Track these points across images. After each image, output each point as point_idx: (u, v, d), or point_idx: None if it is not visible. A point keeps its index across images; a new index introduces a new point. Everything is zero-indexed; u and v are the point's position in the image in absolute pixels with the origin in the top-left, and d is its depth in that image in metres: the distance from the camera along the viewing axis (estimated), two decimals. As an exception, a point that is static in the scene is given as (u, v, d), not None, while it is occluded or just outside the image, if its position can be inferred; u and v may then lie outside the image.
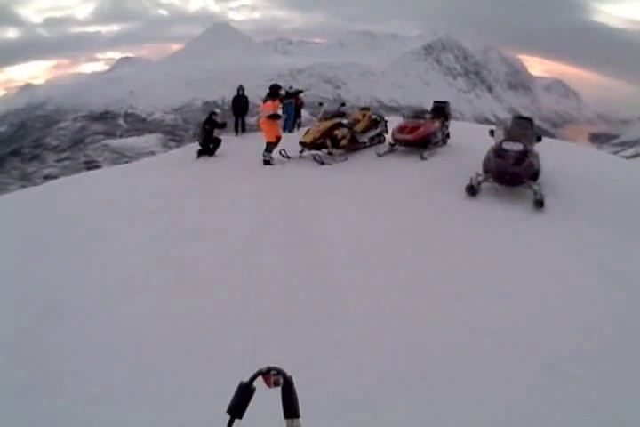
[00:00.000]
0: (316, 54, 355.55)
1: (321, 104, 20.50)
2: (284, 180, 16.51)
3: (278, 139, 18.61)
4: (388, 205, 13.36)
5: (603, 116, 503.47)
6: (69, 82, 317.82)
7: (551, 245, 10.58)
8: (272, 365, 2.75)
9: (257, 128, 20.93)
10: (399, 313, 7.95)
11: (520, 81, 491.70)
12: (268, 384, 2.71)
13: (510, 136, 14.26)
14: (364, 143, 19.95)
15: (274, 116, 18.61)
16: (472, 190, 13.68)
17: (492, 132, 14.93)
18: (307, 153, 18.98)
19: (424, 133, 18.16)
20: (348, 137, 18.84)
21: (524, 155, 13.69)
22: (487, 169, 13.94)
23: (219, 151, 20.80)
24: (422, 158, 17.75)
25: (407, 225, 11.97)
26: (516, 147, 13.78)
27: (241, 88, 25.55)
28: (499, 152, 13.95)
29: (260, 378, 2.71)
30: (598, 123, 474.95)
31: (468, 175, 13.94)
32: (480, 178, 13.89)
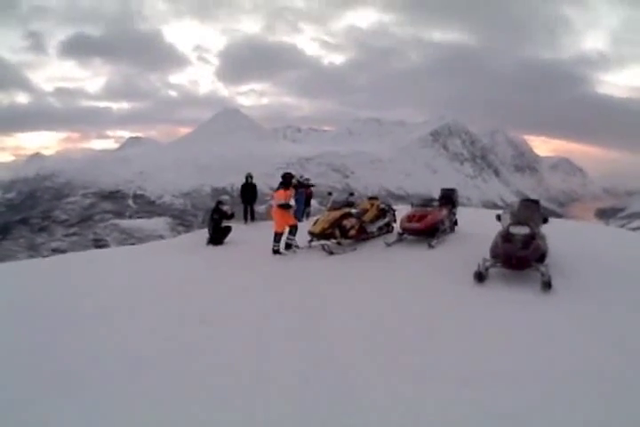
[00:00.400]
0: (324, 142, 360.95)
1: (330, 194, 20.55)
2: (295, 268, 16.35)
3: (293, 226, 18.63)
4: (397, 294, 13.06)
5: (609, 190, 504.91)
6: (79, 156, 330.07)
7: (559, 327, 10.50)
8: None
9: (266, 216, 21.04)
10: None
11: (526, 162, 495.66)
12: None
13: (517, 220, 14.27)
14: (373, 233, 19.95)
15: (285, 206, 18.47)
16: (480, 277, 13.51)
17: (498, 217, 15.08)
18: (315, 243, 18.87)
19: (432, 222, 18.24)
20: (356, 227, 18.85)
21: (532, 238, 13.62)
22: (495, 254, 13.81)
23: (228, 239, 20.85)
24: (430, 247, 17.68)
25: (418, 311, 11.62)
26: (524, 230, 13.75)
27: (249, 176, 25.82)
28: (506, 237, 13.88)
29: None
30: (604, 197, 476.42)
31: (476, 262, 13.85)
32: (488, 263, 13.77)
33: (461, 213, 21.37)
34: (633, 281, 13.61)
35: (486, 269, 13.72)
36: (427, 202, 19.87)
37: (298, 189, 24.90)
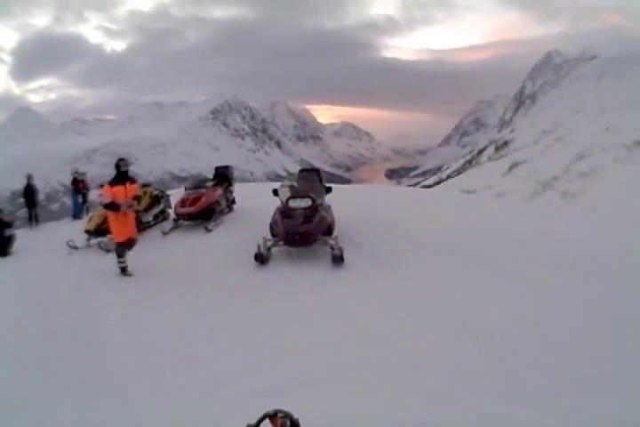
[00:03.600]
0: (109, 132, 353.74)
1: (102, 186, 19.98)
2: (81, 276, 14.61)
3: (130, 240, 13.86)
4: (173, 289, 12.32)
5: (398, 151, 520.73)
6: None
7: (350, 305, 10.24)
8: (279, 408, 2.94)
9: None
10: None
11: (309, 131, 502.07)
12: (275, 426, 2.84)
13: (296, 192, 13.97)
14: (149, 222, 19.07)
15: (110, 207, 13.45)
16: (261, 258, 13.03)
17: (275, 192, 14.51)
18: (94, 241, 17.54)
19: (206, 204, 17.84)
20: None
21: (314, 210, 13.32)
22: (275, 232, 13.45)
23: (15, 248, 18.87)
24: (207, 230, 17.31)
25: (200, 305, 11.01)
26: (304, 203, 13.42)
27: (30, 177, 24.29)
28: (286, 212, 13.50)
29: (267, 421, 2.89)
30: (394, 158, 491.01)
31: (258, 240, 13.37)
32: (269, 243, 13.39)
33: (240, 190, 21.17)
34: (428, 245, 13.93)
35: (268, 249, 13.35)
36: (200, 183, 19.53)
37: (73, 185, 24.82)
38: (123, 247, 13.68)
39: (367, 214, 17.00)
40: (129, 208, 13.44)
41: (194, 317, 10.29)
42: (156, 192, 20.02)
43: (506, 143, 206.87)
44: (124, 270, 13.72)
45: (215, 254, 14.57)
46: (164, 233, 17.71)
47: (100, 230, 17.19)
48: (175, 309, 10.90)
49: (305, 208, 13.29)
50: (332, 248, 12.69)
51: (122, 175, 13.77)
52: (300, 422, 2.96)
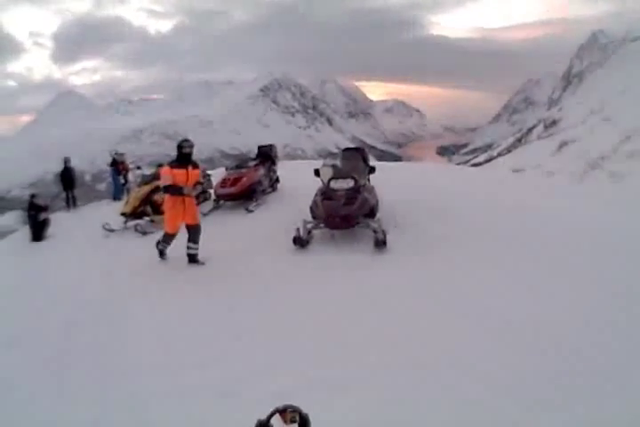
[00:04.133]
0: (156, 111, 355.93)
1: (139, 168, 19.36)
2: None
3: (193, 227, 12.46)
4: (206, 278, 11.52)
5: (449, 128, 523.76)
6: None
7: (394, 291, 9.54)
8: (289, 403, 2.95)
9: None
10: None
11: (360, 108, 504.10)
12: (285, 422, 2.88)
13: (338, 173, 13.15)
14: None
15: (170, 190, 11.95)
16: (301, 241, 12.28)
17: (317, 172, 13.69)
18: (131, 223, 17.08)
19: (247, 184, 17.05)
20: None
21: (357, 191, 12.51)
22: (316, 214, 12.62)
23: (51, 232, 18.55)
24: (248, 211, 16.60)
25: (233, 295, 10.34)
26: (346, 184, 12.60)
27: (67, 160, 23.78)
28: (327, 193, 12.73)
29: (277, 416, 2.88)
30: (445, 135, 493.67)
31: (300, 222, 12.71)
32: (309, 225, 12.64)
33: (286, 168, 20.54)
34: (477, 232, 12.83)
35: (308, 232, 12.62)
36: (241, 163, 18.72)
37: (113, 166, 24.16)
38: (170, 238, 12.56)
39: (413, 195, 15.93)
40: (192, 191, 12.17)
41: (225, 309, 9.63)
42: None
43: (554, 122, 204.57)
44: (162, 253, 12.84)
45: (254, 237, 13.82)
46: (204, 214, 16.45)
47: (136, 213, 16.80)
48: (206, 299, 10.30)
49: (347, 189, 12.50)
50: (375, 231, 11.88)
51: (184, 157, 12.10)
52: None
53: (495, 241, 12.08)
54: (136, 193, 17.31)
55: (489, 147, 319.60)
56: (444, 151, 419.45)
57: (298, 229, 12.34)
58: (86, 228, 17.97)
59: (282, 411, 2.89)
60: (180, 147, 12.07)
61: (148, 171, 18.87)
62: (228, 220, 16.09)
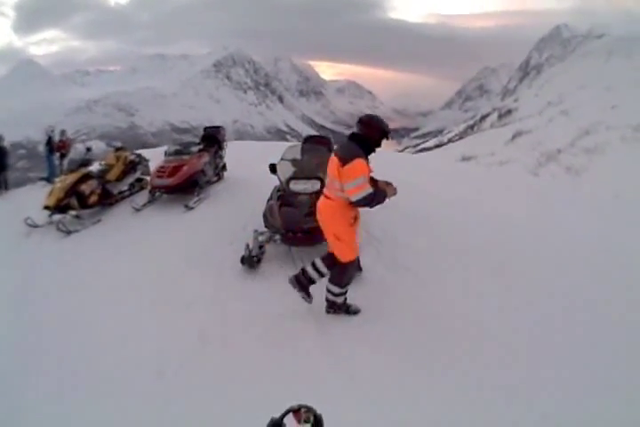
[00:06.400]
0: (111, 83, 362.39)
1: (89, 149, 16.62)
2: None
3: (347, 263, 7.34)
4: (125, 303, 8.52)
5: (401, 112, 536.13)
6: None
7: (367, 353, 6.79)
8: (302, 403, 2.85)
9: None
10: None
11: (312, 87, 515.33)
12: (299, 421, 2.80)
13: (301, 171, 10.03)
14: (123, 193, 15.19)
15: (376, 199, 7.00)
16: (250, 262, 9.07)
17: (272, 168, 10.48)
18: (57, 217, 13.42)
19: (188, 174, 13.96)
20: (98, 191, 14.15)
21: None
22: (270, 224, 9.40)
23: None
24: (188, 208, 13.33)
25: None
26: (311, 186, 9.43)
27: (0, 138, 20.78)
28: (285, 197, 9.53)
29: (290, 415, 2.80)
30: (395, 118, 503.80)
31: (253, 224, 9.94)
32: (262, 238, 9.41)
33: (235, 150, 17.48)
34: (460, 242, 10.33)
35: (260, 246, 9.44)
36: (183, 148, 15.16)
37: (48, 146, 20.97)
38: (353, 269, 7.58)
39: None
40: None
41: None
42: (132, 157, 16.03)
43: (509, 111, 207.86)
44: (348, 309, 7.76)
45: (191, 245, 10.63)
46: (137, 209, 13.84)
47: (60, 206, 13.38)
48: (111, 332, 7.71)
49: (311, 193, 9.23)
50: None
51: (370, 144, 7.13)
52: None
53: (486, 260, 9.54)
54: (61, 182, 13.97)
55: (440, 132, 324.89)
56: (394, 134, 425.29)
57: (247, 246, 9.26)
58: (5, 220, 14.50)
59: (296, 410, 2.82)
60: (369, 124, 7.14)
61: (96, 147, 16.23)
62: (162, 220, 12.88)
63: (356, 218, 7.23)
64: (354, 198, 6.79)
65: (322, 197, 7.40)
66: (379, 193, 6.99)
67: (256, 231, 9.46)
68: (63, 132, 22.31)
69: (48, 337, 7.82)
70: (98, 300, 8.81)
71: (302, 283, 7.42)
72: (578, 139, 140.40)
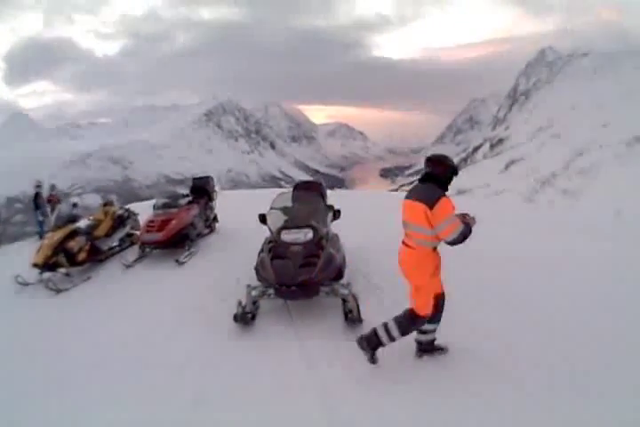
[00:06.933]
0: (103, 136, 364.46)
1: (75, 205, 16.13)
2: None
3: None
4: (110, 367, 7.85)
5: (393, 151, 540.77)
6: None
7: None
8: None
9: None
10: None
11: (303, 132, 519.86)
12: None
13: (292, 220, 9.69)
14: (112, 249, 14.60)
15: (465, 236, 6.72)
16: (244, 319, 8.55)
17: (262, 219, 10.35)
18: (47, 274, 12.80)
19: (178, 228, 13.61)
20: (87, 247, 13.51)
21: (318, 246, 8.94)
22: (263, 278, 8.82)
23: None
24: (179, 263, 12.86)
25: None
26: (303, 236, 9.04)
27: None
28: (277, 248, 9.01)
29: None
30: (388, 157, 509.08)
31: (246, 277, 9.49)
32: (255, 293, 8.74)
33: (229, 200, 17.65)
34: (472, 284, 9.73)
35: (253, 302, 8.82)
36: (171, 201, 14.88)
37: (35, 200, 20.29)
38: (422, 322, 7.07)
39: (378, 235, 12.59)
40: None
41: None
42: (120, 211, 15.62)
43: (501, 141, 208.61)
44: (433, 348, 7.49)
45: (183, 303, 10.12)
46: (127, 266, 13.31)
47: (49, 264, 12.79)
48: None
49: (304, 243, 8.90)
50: (345, 301, 8.46)
51: (445, 182, 6.93)
52: None
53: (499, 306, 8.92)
54: (48, 239, 13.39)
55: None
56: (388, 173, 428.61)
57: (240, 303, 8.67)
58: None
59: None
60: (441, 162, 6.98)
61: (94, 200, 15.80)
62: (153, 277, 12.39)
63: (437, 268, 6.94)
64: (450, 238, 6.60)
65: (403, 247, 7.09)
66: (467, 226, 6.76)
67: (249, 286, 8.85)
68: (53, 187, 22.06)
69: (33, 403, 7.26)
70: (87, 362, 8.22)
71: (371, 344, 7.03)
72: (571, 161, 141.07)
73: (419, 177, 6.98)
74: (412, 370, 7.14)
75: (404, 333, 6.96)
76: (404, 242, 7.02)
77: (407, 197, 6.92)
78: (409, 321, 6.97)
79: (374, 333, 7.02)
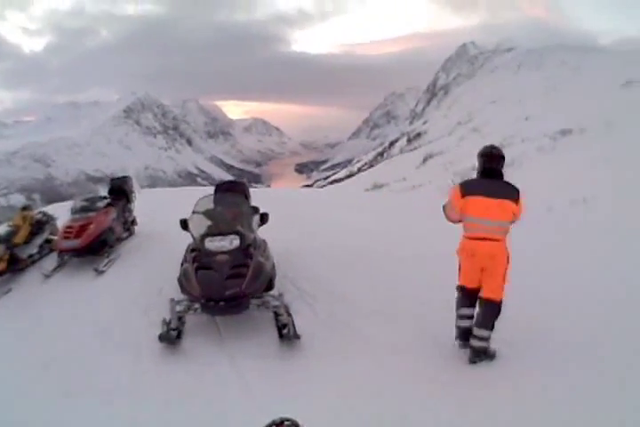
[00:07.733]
0: (28, 134, 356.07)
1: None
2: None
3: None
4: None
5: (308, 145, 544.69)
6: None
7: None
8: (285, 416, 2.82)
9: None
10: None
11: (219, 128, 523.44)
12: None
13: (216, 226, 8.62)
14: (32, 256, 13.09)
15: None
16: (169, 338, 7.65)
17: (184, 224, 9.13)
18: None
19: (96, 234, 12.31)
20: (6, 257, 12.09)
21: (245, 254, 8.05)
22: (187, 291, 7.90)
23: None
24: (99, 272, 11.72)
25: None
26: (229, 243, 8.06)
27: None
28: (201, 257, 8.12)
29: None
30: (304, 152, 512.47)
31: (173, 287, 8.46)
32: (180, 308, 7.91)
33: (146, 199, 16.63)
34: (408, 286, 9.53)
35: (179, 318, 7.96)
36: (89, 204, 13.50)
37: None
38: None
39: (305, 236, 12.37)
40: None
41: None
42: (38, 216, 14.20)
43: (419, 135, 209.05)
44: (491, 353, 7.26)
45: (103, 318, 9.14)
46: (46, 276, 12.05)
47: None
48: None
49: (231, 251, 8.00)
50: (278, 314, 7.76)
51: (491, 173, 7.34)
52: None
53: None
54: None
55: (349, 162, 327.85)
56: (303, 168, 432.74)
57: (164, 321, 7.81)
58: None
59: (278, 424, 2.81)
60: (486, 156, 7.45)
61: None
62: (72, 288, 11.18)
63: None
64: (521, 217, 7.38)
65: (487, 242, 7.09)
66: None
67: (172, 300, 7.93)
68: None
69: None
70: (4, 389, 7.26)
71: (481, 356, 7.14)
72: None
73: (477, 172, 7.44)
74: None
75: (492, 327, 7.13)
76: (484, 237, 7.08)
77: (489, 196, 7.04)
78: (492, 314, 7.13)
79: (474, 349, 7.13)
